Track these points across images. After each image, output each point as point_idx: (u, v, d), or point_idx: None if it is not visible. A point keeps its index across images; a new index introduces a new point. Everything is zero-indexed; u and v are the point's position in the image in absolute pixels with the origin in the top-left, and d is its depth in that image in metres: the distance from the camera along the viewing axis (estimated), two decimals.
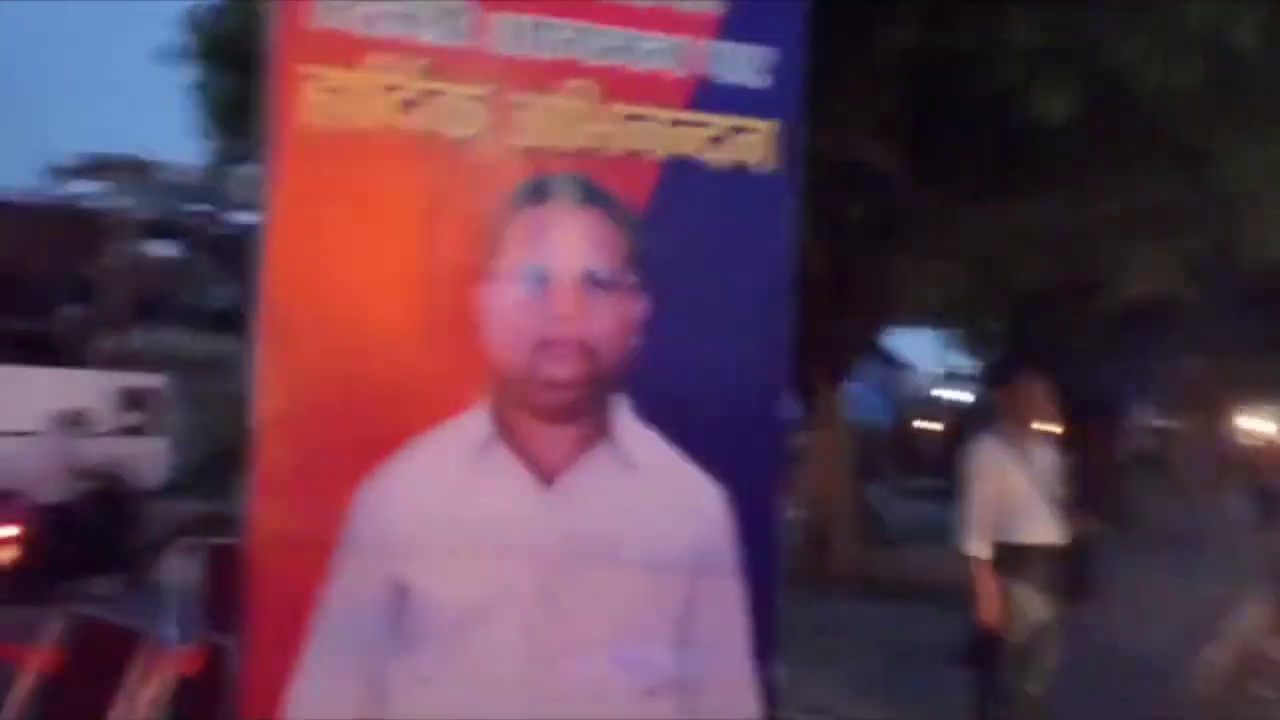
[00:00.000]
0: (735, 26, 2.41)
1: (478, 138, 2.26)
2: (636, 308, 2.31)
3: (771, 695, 2.40)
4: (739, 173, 2.39)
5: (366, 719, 2.18)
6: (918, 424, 26.91)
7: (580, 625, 2.27)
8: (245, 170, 10.78)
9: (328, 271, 2.19)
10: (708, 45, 2.39)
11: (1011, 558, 4.21)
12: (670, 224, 2.35)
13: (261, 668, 2.13)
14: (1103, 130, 6.18)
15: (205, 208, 19.98)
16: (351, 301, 2.20)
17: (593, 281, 2.28)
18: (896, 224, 7.72)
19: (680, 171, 2.36)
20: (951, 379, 27.14)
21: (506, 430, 2.25)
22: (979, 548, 4.22)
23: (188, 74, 9.82)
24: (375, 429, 2.20)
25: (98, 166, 18.46)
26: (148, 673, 2.83)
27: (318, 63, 2.17)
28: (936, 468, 17.55)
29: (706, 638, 2.35)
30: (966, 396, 25.38)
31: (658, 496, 2.34)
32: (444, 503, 2.23)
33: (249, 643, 2.14)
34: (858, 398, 14.27)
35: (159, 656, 2.87)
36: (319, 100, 2.17)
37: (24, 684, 2.97)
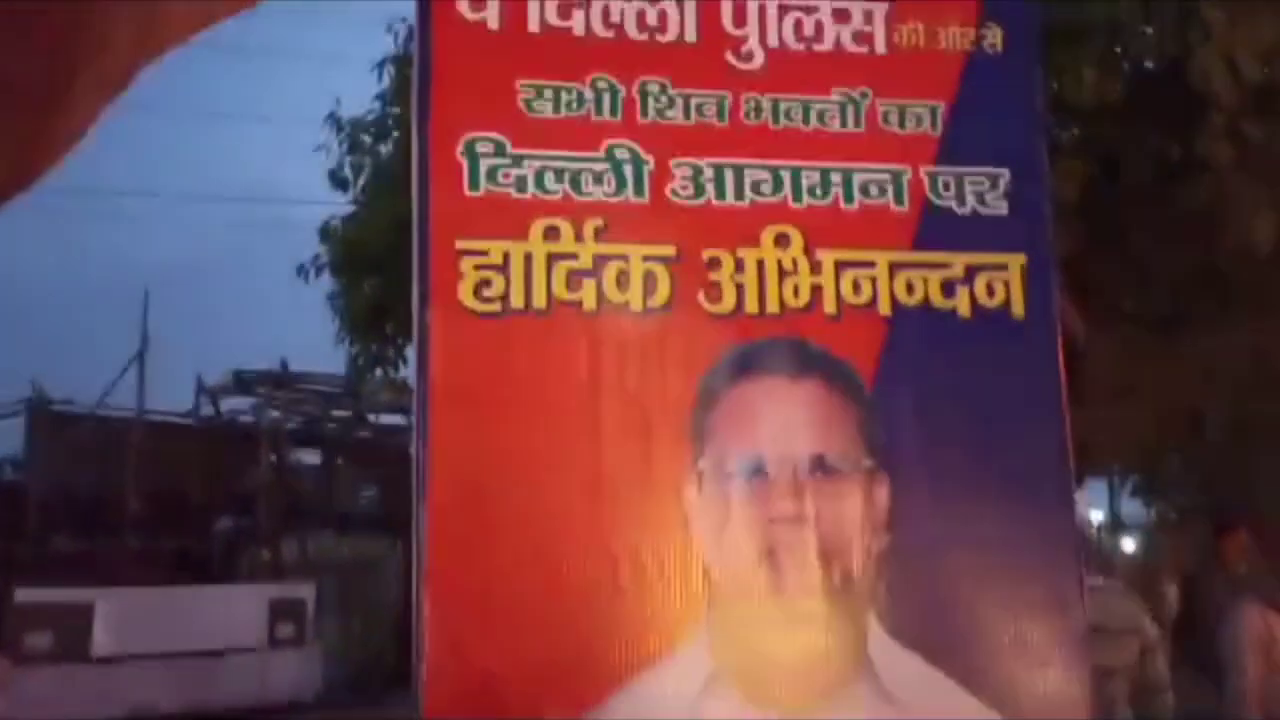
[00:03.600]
0: (959, 147, 1.99)
1: (666, 307, 1.87)
2: (879, 498, 1.84)
3: None
4: (984, 321, 1.94)
5: None
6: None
7: None
8: (382, 375, 10.83)
9: (498, 482, 1.78)
10: (929, 171, 1.98)
11: None
12: (907, 390, 1.90)
13: None
14: None
15: (347, 413, 20.37)
16: (528, 518, 1.78)
17: (822, 469, 1.82)
18: (1077, 369, 7.11)
19: (912, 325, 1.92)
20: (1118, 528, 25.55)
21: (733, 668, 1.77)
22: None
23: (324, 285, 9.98)
24: (568, 681, 1.74)
25: (245, 382, 19.01)
26: None
27: (477, 236, 1.83)
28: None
29: None
30: (1132, 545, 24.00)
31: None
32: None
33: None
34: None
35: None
36: (478, 280, 1.81)
37: None
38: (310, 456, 20.74)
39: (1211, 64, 4.37)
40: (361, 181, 9.50)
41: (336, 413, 20.30)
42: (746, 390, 1.86)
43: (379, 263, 8.80)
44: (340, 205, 9.84)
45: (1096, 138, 5.32)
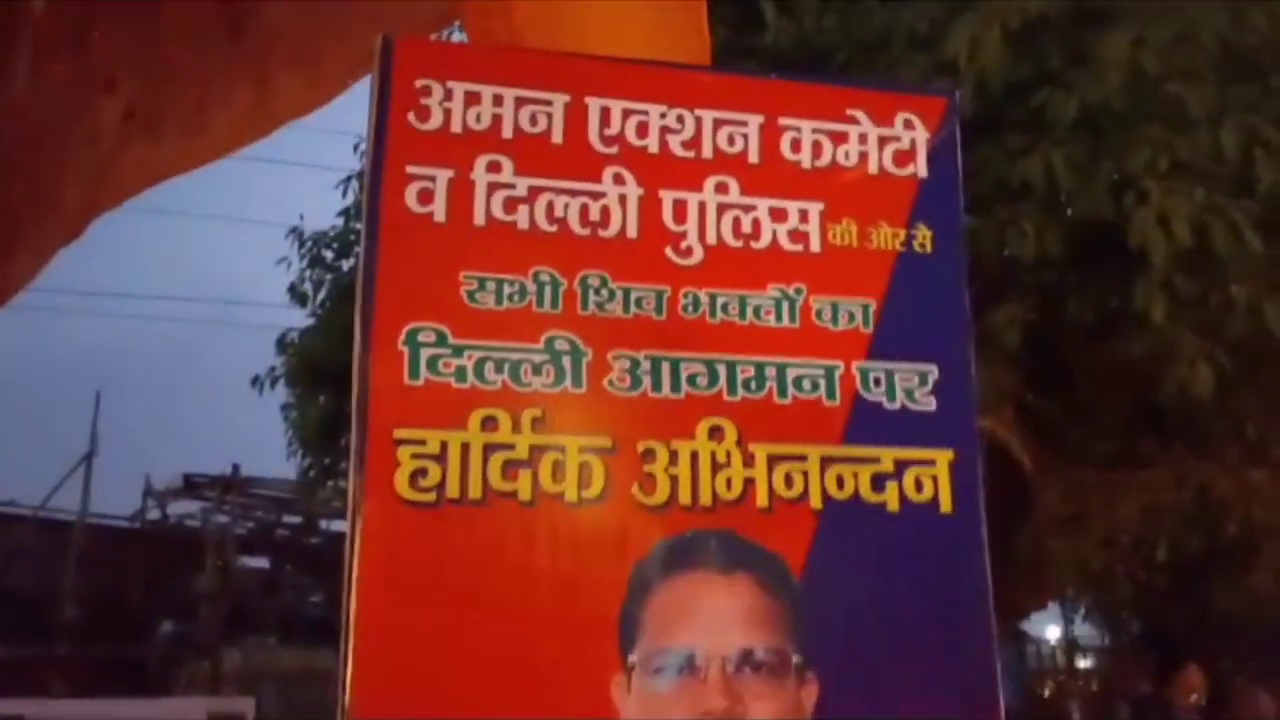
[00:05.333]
0: (889, 344, 2.06)
1: (600, 498, 1.89)
2: (805, 694, 1.85)
3: None
4: (913, 516, 1.97)
5: None
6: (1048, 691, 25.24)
7: None
8: (333, 486, 10.75)
9: (424, 672, 1.77)
10: (861, 367, 2.04)
11: None
12: (836, 585, 1.92)
13: None
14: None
15: (298, 519, 20.08)
16: (454, 704, 1.77)
17: (751, 665, 1.83)
18: (1029, 504, 7.21)
19: (842, 519, 1.95)
20: (1073, 647, 25.64)
21: None
22: None
23: (279, 396, 9.96)
24: None
25: (194, 485, 18.72)
26: None
27: (414, 425, 1.85)
28: None
29: None
30: (1087, 663, 24.29)
31: None
32: None
33: None
34: None
35: None
36: (415, 469, 1.83)
37: None
38: (258, 562, 20.34)
39: (1146, 225, 4.56)
40: (321, 295, 9.54)
41: (287, 518, 19.98)
42: (678, 584, 1.87)
43: (334, 377, 8.79)
44: (299, 315, 9.86)
45: (1039, 286, 5.48)
